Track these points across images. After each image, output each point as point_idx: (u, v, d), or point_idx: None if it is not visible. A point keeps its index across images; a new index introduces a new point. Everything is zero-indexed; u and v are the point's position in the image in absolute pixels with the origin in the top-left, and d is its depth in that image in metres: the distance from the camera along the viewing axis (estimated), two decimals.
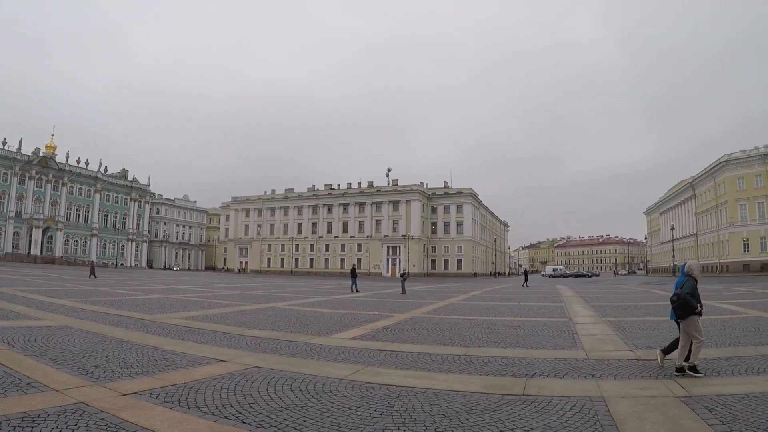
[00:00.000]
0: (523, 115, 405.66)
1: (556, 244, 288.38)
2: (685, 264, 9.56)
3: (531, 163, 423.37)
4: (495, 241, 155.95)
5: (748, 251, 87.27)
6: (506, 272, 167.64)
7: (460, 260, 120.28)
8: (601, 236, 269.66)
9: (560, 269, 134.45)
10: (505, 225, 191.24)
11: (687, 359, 8.82)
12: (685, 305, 8.84)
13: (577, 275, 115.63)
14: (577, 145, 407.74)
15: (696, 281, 9.14)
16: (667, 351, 9.60)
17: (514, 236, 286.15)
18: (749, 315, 18.69)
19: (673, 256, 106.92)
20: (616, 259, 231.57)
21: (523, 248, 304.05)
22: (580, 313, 20.53)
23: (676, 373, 8.80)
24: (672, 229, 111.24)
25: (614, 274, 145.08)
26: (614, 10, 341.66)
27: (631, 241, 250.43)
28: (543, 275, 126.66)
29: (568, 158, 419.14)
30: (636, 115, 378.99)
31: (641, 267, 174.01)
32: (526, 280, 53.83)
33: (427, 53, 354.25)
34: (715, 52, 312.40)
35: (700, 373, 8.70)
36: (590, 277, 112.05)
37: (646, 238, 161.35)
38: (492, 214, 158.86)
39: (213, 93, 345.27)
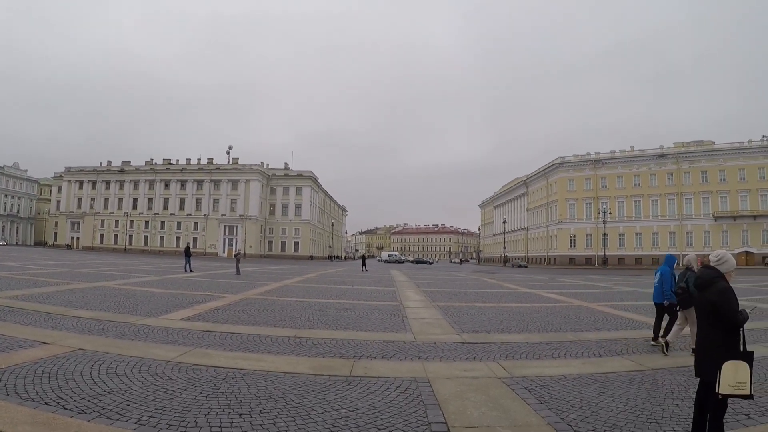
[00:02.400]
0: (368, 105, 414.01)
1: (392, 231, 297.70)
2: (669, 255, 11.56)
3: (372, 151, 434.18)
4: (333, 225, 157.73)
5: (574, 246, 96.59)
6: (343, 256, 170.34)
7: (298, 243, 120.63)
8: (437, 225, 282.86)
9: (396, 255, 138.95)
10: (344, 210, 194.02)
11: (665, 336, 10.54)
12: (691, 298, 9.32)
13: (417, 261, 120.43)
14: (418, 138, 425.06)
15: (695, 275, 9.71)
16: (657, 331, 11.17)
17: (352, 221, 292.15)
18: (571, 304, 20.27)
19: (504, 248, 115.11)
20: (450, 248, 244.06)
21: (361, 233, 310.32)
22: (411, 298, 21.18)
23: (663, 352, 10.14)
24: (504, 222, 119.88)
25: (461, 261, 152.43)
26: (466, 19, 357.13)
27: (465, 231, 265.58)
28: (379, 260, 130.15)
29: (408, 150, 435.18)
30: (478, 116, 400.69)
31: (474, 256, 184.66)
32: (363, 264, 55.01)
33: (277, 34, 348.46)
34: (562, 63, 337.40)
35: (666, 353, 10.03)
36: (431, 263, 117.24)
37: (479, 230, 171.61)
38: (331, 198, 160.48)
39: (49, 55, 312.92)
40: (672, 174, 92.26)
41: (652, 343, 11.07)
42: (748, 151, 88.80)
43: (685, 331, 10.70)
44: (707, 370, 5.02)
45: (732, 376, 4.77)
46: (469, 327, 13.22)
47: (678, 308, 10.61)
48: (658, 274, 11.41)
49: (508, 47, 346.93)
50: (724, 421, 5.14)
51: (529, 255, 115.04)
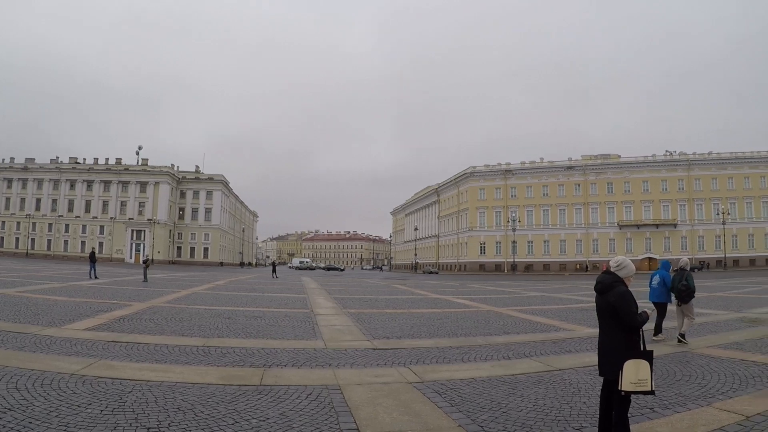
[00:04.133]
0: (283, 110, 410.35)
1: (304, 237, 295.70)
2: (664, 260, 13.43)
3: (285, 157, 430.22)
4: (243, 230, 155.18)
5: (484, 253, 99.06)
6: (254, 263, 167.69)
7: (207, 248, 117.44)
8: (349, 232, 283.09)
9: (307, 262, 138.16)
10: (255, 215, 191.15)
11: (658, 330, 12.54)
12: (691, 293, 12.12)
13: (329, 268, 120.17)
14: (333, 145, 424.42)
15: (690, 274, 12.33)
16: (657, 326, 12.70)
17: (264, 227, 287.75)
18: (481, 309, 20.74)
19: (416, 255, 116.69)
20: (361, 255, 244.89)
21: (272, 239, 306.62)
22: (322, 305, 21.10)
23: (681, 340, 11.74)
24: (416, 229, 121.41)
25: (374, 268, 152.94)
26: (384, 30, 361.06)
27: (377, 238, 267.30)
28: (290, 267, 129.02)
29: (322, 156, 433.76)
30: (392, 124, 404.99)
31: (386, 263, 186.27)
32: (274, 271, 54.48)
33: (196, 33, 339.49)
34: (475, 76, 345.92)
35: (686, 342, 11.68)
36: (342, 270, 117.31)
37: (391, 237, 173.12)
38: (242, 203, 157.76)
39: None
40: (579, 185, 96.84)
41: (653, 338, 12.38)
42: (651, 164, 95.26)
43: (666, 324, 12.72)
44: (610, 368, 5.28)
45: (633, 373, 5.05)
46: (380, 333, 13.31)
47: (679, 303, 12.30)
48: (656, 276, 12.85)
49: (423, 59, 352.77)
50: (629, 415, 5.40)
51: (440, 262, 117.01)
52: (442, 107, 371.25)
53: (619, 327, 5.32)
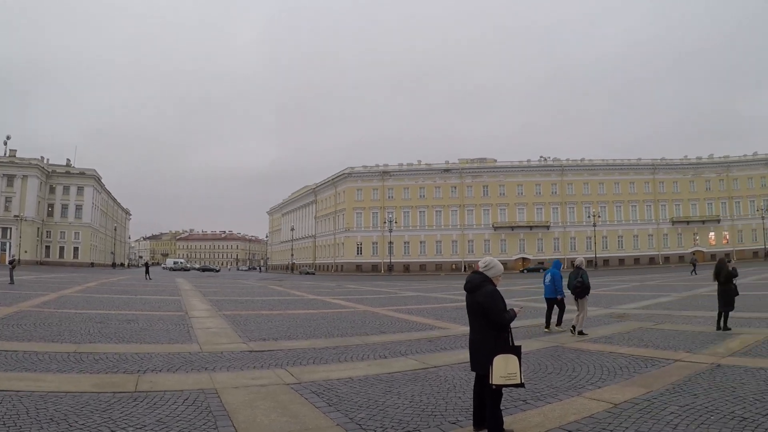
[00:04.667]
0: (160, 106, 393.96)
1: (178, 237, 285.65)
2: (556, 260, 15.09)
3: (161, 153, 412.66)
4: (116, 229, 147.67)
5: (361, 254, 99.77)
6: (126, 263, 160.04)
7: (78, 248, 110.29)
8: (224, 232, 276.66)
9: (182, 262, 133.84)
10: (128, 213, 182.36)
11: (558, 323, 14.06)
12: (586, 289, 13.27)
13: (204, 269, 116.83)
14: (210, 143, 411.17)
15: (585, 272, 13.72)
16: (548, 319, 14.15)
17: (137, 226, 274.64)
18: (357, 309, 20.97)
19: (292, 255, 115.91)
20: (237, 255, 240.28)
21: (145, 239, 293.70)
22: (197, 307, 20.66)
23: (578, 336, 12.73)
24: (292, 229, 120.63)
25: (261, 270, 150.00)
26: (273, 24, 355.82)
27: (253, 238, 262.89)
28: (164, 268, 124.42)
29: (199, 153, 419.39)
30: (271, 123, 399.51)
31: (262, 264, 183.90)
32: (147, 272, 52.50)
33: (69, 19, 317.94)
34: (354, 78, 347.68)
35: (585, 334, 12.87)
36: (218, 271, 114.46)
37: (267, 237, 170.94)
38: (114, 200, 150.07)
39: None
40: (456, 187, 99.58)
41: (545, 330, 13.84)
42: (526, 169, 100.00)
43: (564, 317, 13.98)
44: (481, 364, 5.54)
45: (503, 368, 5.32)
46: (256, 335, 13.21)
47: (575, 298, 13.34)
48: (548, 275, 14.16)
49: (306, 57, 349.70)
50: (503, 408, 5.66)
51: (317, 262, 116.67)
52: (323, 107, 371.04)
53: (489, 324, 5.56)
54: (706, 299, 15.51)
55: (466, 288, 5.85)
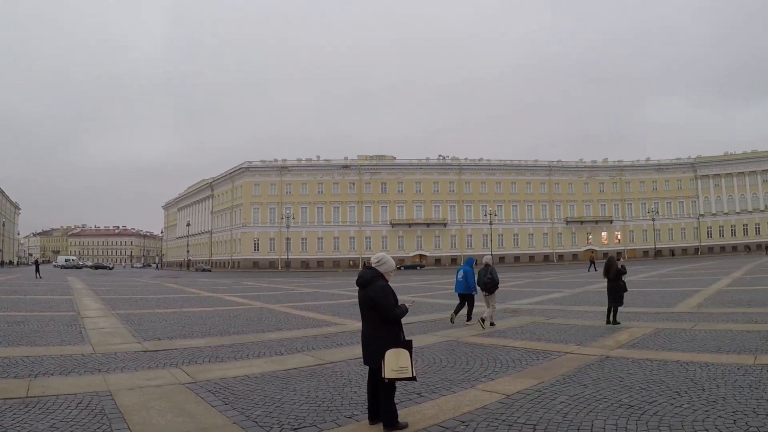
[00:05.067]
0: (55, 96, 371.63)
1: (70, 233, 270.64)
2: (469, 258, 15.88)
3: (53, 145, 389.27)
4: (3, 224, 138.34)
5: (258, 250, 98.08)
6: (16, 261, 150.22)
7: None
8: (118, 227, 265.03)
9: (74, 260, 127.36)
10: (17, 207, 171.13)
11: (468, 318, 14.59)
12: (496, 285, 14.08)
13: (97, 267, 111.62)
14: (103, 132, 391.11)
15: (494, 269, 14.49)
16: (457, 311, 14.72)
17: (26, 221, 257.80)
18: (254, 306, 20.79)
19: (188, 251, 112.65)
20: (131, 252, 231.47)
21: (35, 235, 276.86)
22: (90, 307, 19.85)
23: (489, 327, 13.50)
24: (188, 225, 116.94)
25: (156, 266, 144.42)
26: (174, 16, 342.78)
27: (148, 234, 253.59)
28: (55, 266, 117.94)
29: (94, 146, 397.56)
30: (168, 115, 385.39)
31: (157, 261, 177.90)
32: (37, 271, 49.69)
33: None
34: (263, 71, 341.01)
35: (495, 325, 13.84)
36: (111, 269, 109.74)
37: (162, 233, 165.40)
38: (2, 192, 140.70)
39: None
40: (354, 184, 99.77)
41: (452, 324, 14.35)
42: (425, 167, 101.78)
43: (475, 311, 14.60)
44: (373, 358, 5.65)
45: (395, 362, 5.45)
46: (150, 334, 12.89)
47: (485, 294, 14.01)
48: (461, 272, 14.72)
49: (206, 50, 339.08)
50: (397, 401, 5.80)
51: (213, 259, 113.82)
52: (224, 101, 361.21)
53: (380, 319, 5.66)
54: (596, 295, 16.23)
55: (358, 283, 5.94)
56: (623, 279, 14.00)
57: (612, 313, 13.63)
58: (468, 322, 14.46)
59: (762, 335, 11.02)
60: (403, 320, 5.86)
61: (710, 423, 5.62)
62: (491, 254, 15.19)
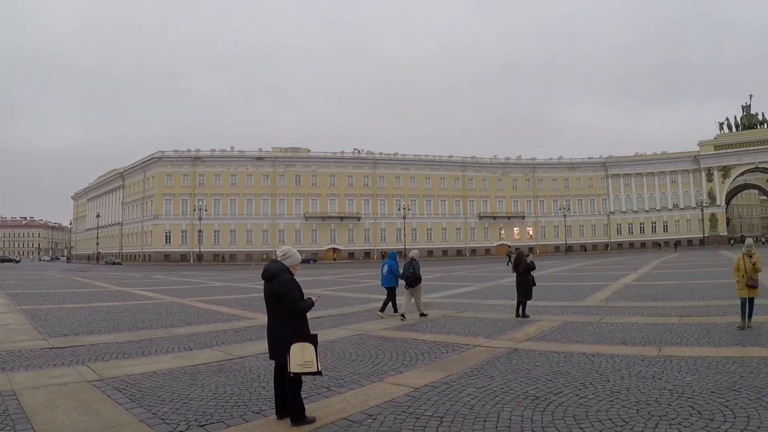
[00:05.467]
0: None
1: None
2: (392, 252, 16.16)
3: None
4: None
5: (169, 243, 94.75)
6: None
7: None
8: (25, 218, 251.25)
9: None
10: None
11: (381, 310, 14.86)
12: (418, 279, 14.37)
13: (2, 260, 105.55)
14: (6, 119, 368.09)
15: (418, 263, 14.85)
16: (384, 305, 14.87)
17: None
18: (164, 300, 20.39)
19: (98, 244, 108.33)
20: (39, 244, 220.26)
21: None
22: None
23: (420, 317, 14.19)
24: (98, 216, 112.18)
25: (67, 259, 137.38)
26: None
27: (57, 225, 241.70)
28: None
29: None
30: (78, 102, 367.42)
31: (66, 253, 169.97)
32: None
33: None
34: (173, 60, 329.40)
35: (427, 314, 14.38)
36: (18, 262, 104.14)
37: (71, 224, 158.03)
38: None
39: None
40: (268, 176, 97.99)
41: (380, 314, 14.71)
42: (340, 160, 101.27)
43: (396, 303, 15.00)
44: (279, 352, 5.66)
45: (300, 356, 5.45)
46: (57, 331, 12.51)
47: (407, 287, 14.30)
48: (386, 266, 15.06)
49: (113, 40, 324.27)
50: (305, 395, 5.85)
51: (123, 252, 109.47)
52: (138, 89, 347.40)
53: (286, 313, 5.65)
54: (507, 289, 16.22)
55: (263, 276, 5.89)
56: (532, 274, 14.37)
57: (521, 307, 13.91)
58: (380, 313, 14.73)
59: (666, 328, 11.38)
60: (315, 314, 5.96)
61: (614, 413, 5.79)
62: (417, 249, 15.42)
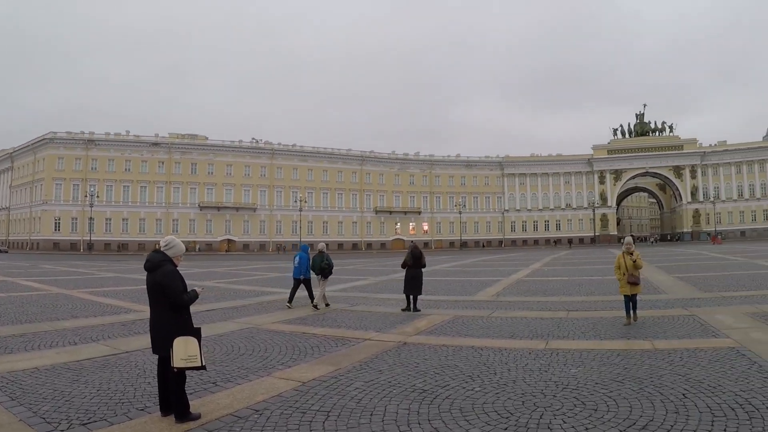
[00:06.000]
0: None
1: None
2: (304, 245, 16.69)
3: None
4: None
5: (59, 230, 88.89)
6: None
7: None
8: None
9: None
10: None
11: (312, 300, 14.93)
12: (331, 270, 15.12)
13: None
14: None
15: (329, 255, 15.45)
16: (292, 296, 15.21)
17: None
18: (50, 292, 19.38)
19: None
20: None
21: None
22: None
23: (317, 309, 14.43)
24: None
25: None
26: None
27: None
28: None
29: None
30: None
31: None
32: None
33: None
34: (67, 37, 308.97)
35: (319, 308, 14.60)
36: None
37: None
38: None
39: None
40: (164, 163, 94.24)
41: (288, 305, 14.86)
42: (237, 149, 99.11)
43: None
44: (161, 346, 5.49)
45: (183, 350, 5.31)
46: None
47: (320, 278, 14.88)
48: (297, 258, 15.25)
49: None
50: (191, 390, 5.71)
51: (10, 239, 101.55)
52: (30, 68, 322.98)
53: (169, 305, 5.49)
54: (401, 283, 15.96)
55: (145, 267, 5.71)
56: (422, 269, 14.47)
57: (413, 301, 14.00)
58: (312, 304, 14.89)
59: (554, 322, 11.68)
60: (205, 307, 5.91)
61: (500, 405, 5.90)
62: (325, 243, 15.51)
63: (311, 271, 15.13)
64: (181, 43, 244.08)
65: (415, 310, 13.87)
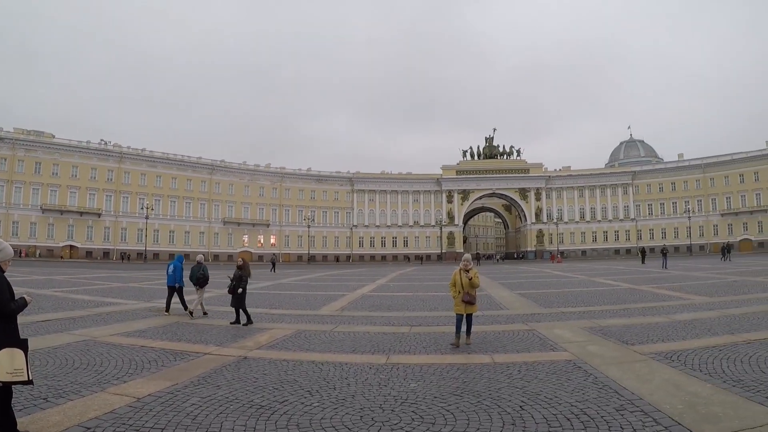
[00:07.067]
0: None
1: None
2: (179, 255, 16.78)
3: None
4: None
5: None
6: None
7: None
8: None
9: None
10: None
11: (185, 308, 15.32)
12: (206, 280, 15.65)
13: None
14: None
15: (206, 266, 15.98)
16: (168, 303, 15.53)
17: None
18: None
19: None
20: None
21: None
22: None
23: (192, 316, 14.73)
24: None
25: None
26: None
27: None
28: None
29: None
30: None
31: None
32: None
33: None
34: None
35: (207, 314, 15.21)
36: None
37: None
38: None
39: None
40: (6, 159, 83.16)
41: (165, 313, 15.20)
42: (84, 151, 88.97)
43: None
44: None
45: (9, 363, 4.69)
46: None
47: (198, 287, 15.26)
48: (172, 266, 15.67)
49: None
50: (20, 407, 5.10)
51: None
52: None
53: None
54: (246, 296, 15.49)
55: None
56: (246, 284, 14.08)
57: (245, 315, 13.46)
58: (186, 311, 15.20)
59: (397, 337, 11.48)
60: (40, 317, 5.23)
61: (337, 420, 5.78)
62: (203, 254, 15.15)
63: (190, 281, 15.45)
64: (32, 25, 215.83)
65: (249, 323, 13.33)
